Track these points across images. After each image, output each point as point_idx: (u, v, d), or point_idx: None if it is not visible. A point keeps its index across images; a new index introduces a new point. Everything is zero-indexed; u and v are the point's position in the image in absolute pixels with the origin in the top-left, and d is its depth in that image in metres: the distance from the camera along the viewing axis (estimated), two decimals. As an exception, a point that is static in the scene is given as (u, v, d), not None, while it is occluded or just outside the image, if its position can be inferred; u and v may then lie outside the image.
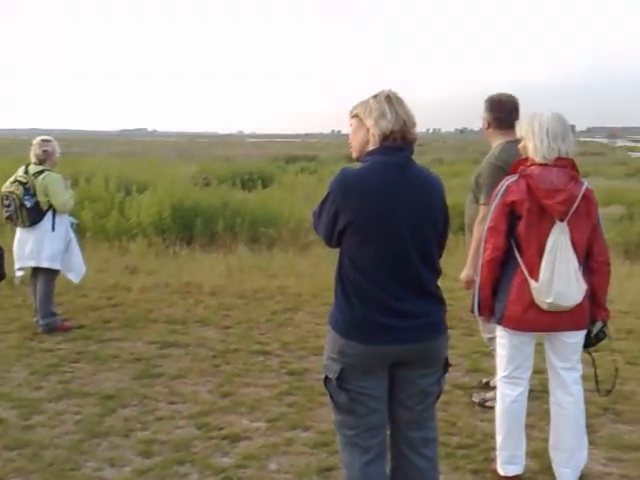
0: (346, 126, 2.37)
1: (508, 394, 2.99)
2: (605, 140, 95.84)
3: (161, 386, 4.26)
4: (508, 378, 3.00)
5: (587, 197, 2.83)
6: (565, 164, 2.83)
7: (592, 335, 3.01)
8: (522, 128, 2.97)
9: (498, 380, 3.06)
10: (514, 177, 2.88)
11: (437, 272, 2.29)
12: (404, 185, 2.16)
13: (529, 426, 3.52)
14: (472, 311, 3.05)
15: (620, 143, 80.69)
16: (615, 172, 23.33)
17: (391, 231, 2.13)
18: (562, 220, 2.78)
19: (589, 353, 3.10)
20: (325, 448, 3.33)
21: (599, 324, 3.02)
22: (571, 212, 2.77)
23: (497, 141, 3.83)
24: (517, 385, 2.98)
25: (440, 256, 2.35)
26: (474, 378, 4.38)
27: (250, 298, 6.53)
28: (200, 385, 4.29)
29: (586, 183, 2.86)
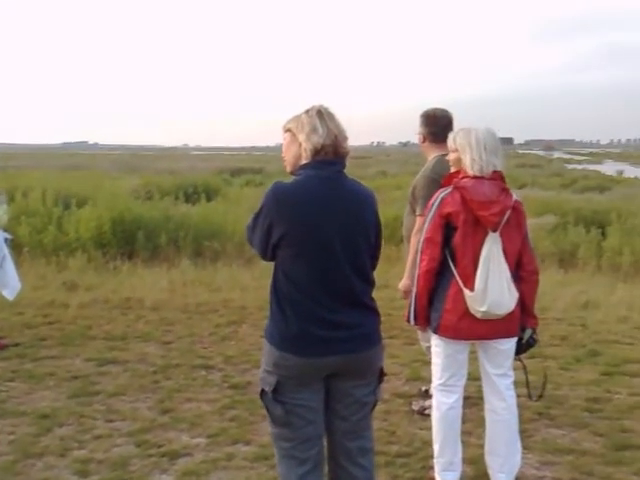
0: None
1: (444, 402, 3.06)
2: (542, 152, 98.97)
3: (99, 404, 4.16)
4: (444, 386, 3.06)
5: (517, 209, 2.93)
6: (496, 177, 2.93)
7: (523, 342, 3.10)
8: (456, 141, 3.05)
9: (434, 388, 3.12)
10: (448, 189, 2.95)
11: (371, 284, 2.32)
12: (336, 199, 2.19)
13: (466, 433, 3.61)
14: (408, 320, 3.11)
15: (557, 155, 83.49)
16: (551, 183, 24.06)
17: (324, 244, 2.16)
18: (495, 231, 2.87)
19: (520, 360, 3.19)
20: (265, 462, 3.32)
21: (529, 331, 3.10)
22: (503, 223, 2.87)
23: (432, 154, 3.94)
24: (452, 393, 3.05)
25: (374, 268, 2.39)
26: (414, 387, 4.45)
27: (193, 312, 6.46)
28: (139, 402, 4.21)
29: (515, 195, 2.96)
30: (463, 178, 2.94)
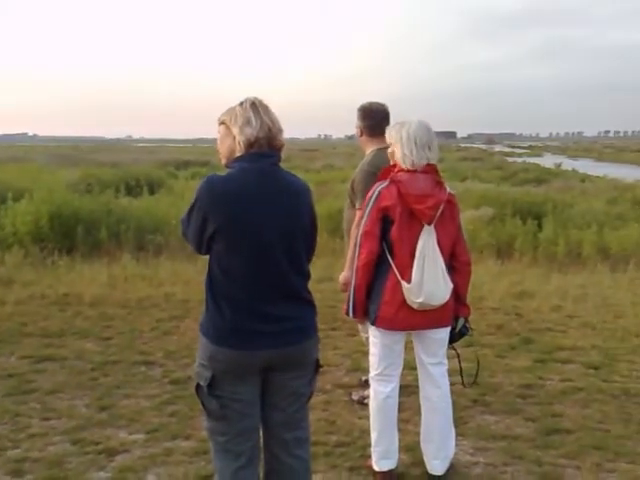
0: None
1: (381, 391, 3.12)
2: (484, 146, 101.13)
3: (35, 402, 4.08)
4: (380, 376, 3.12)
5: (450, 202, 3.00)
6: (430, 170, 2.99)
7: (456, 331, 3.18)
8: (391, 135, 3.10)
9: (371, 378, 3.17)
10: (385, 183, 3.00)
11: (306, 276, 2.34)
12: (271, 191, 2.19)
13: (404, 421, 3.69)
14: (347, 313, 3.14)
15: (498, 149, 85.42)
16: (491, 176, 24.60)
17: (259, 237, 2.16)
18: (430, 224, 2.93)
19: (454, 348, 3.28)
20: (205, 456, 3.31)
21: (462, 320, 3.19)
22: (437, 216, 2.94)
23: (370, 148, 3.98)
24: (389, 382, 3.11)
25: (310, 260, 2.41)
26: (355, 377, 4.51)
27: (134, 307, 6.37)
28: (77, 399, 4.14)
29: (449, 188, 3.03)
30: (399, 172, 3.00)
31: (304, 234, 2.31)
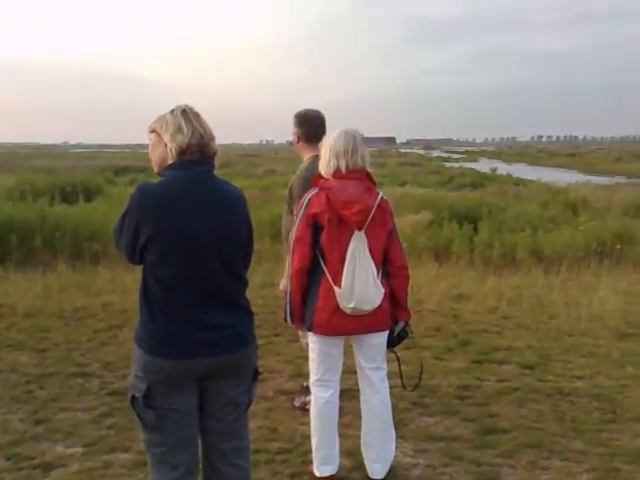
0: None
1: (321, 396, 3.14)
2: (422, 151, 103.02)
3: (-35, 419, 3.93)
4: (320, 381, 3.14)
5: (382, 207, 3.03)
6: (360, 176, 3.02)
7: (395, 335, 3.23)
8: (321, 145, 3.17)
9: (311, 384, 3.20)
10: (315, 190, 3.03)
11: (243, 284, 2.34)
12: (204, 199, 2.18)
13: (345, 425, 3.73)
14: (285, 320, 3.16)
15: (436, 154, 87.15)
16: (430, 181, 25.11)
17: (192, 246, 2.15)
18: (360, 229, 2.97)
19: (394, 352, 3.33)
20: (144, 468, 3.21)
21: (401, 324, 3.23)
22: (368, 221, 2.97)
23: (307, 155, 4.02)
24: (328, 387, 3.13)
25: (247, 268, 2.42)
26: (297, 383, 4.52)
27: (70, 318, 6.22)
28: (11, 414, 4.01)
29: (381, 193, 3.07)
30: (329, 179, 3.04)
31: (240, 241, 2.31)
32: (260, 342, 5.44)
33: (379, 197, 3.03)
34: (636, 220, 11.47)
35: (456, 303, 6.71)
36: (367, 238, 2.99)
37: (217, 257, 2.20)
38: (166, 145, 2.20)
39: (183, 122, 2.19)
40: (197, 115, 2.24)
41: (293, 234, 3.08)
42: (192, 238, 2.15)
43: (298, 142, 4.09)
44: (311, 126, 4.00)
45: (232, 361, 2.25)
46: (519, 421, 3.89)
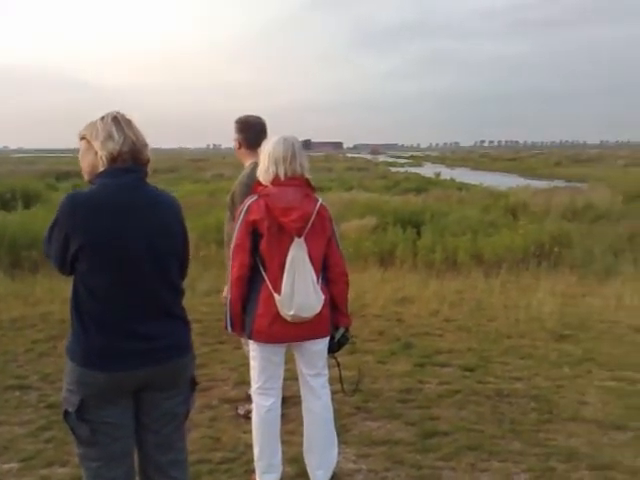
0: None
1: (262, 404, 3.12)
2: (369, 156, 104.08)
3: None
4: (261, 389, 3.13)
5: (321, 213, 3.04)
6: (299, 183, 3.03)
7: (335, 341, 3.25)
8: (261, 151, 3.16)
9: (253, 392, 3.18)
10: (254, 197, 3.02)
11: (179, 293, 2.31)
12: (136, 207, 2.15)
13: (289, 432, 3.73)
14: (226, 327, 3.14)
15: (382, 159, 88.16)
16: (376, 185, 25.39)
17: (125, 255, 2.11)
18: (299, 236, 2.97)
19: (334, 358, 3.34)
20: (82, 482, 3.19)
21: (341, 330, 3.25)
22: (307, 228, 2.99)
23: (248, 161, 4.01)
24: (270, 395, 3.12)
25: (183, 277, 2.39)
26: (242, 391, 4.49)
27: (7, 328, 6.04)
28: (-58, 430, 3.86)
29: (320, 200, 3.08)
30: (268, 186, 3.03)
31: (175, 250, 2.28)
32: (205, 350, 5.48)
33: (318, 204, 3.04)
34: (573, 223, 11.88)
35: (400, 307, 6.80)
36: (307, 245, 2.99)
37: (151, 266, 2.17)
38: (96, 152, 2.16)
39: (114, 129, 2.15)
40: (129, 122, 2.20)
41: (232, 241, 3.07)
42: (124, 248, 2.11)
43: (239, 148, 4.09)
44: (252, 132, 4.00)
45: (168, 372, 2.22)
46: (459, 423, 3.96)
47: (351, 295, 6.88)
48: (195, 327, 6.04)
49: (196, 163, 52.95)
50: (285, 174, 2.99)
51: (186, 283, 7.74)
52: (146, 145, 2.22)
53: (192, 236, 10.15)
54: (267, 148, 3.06)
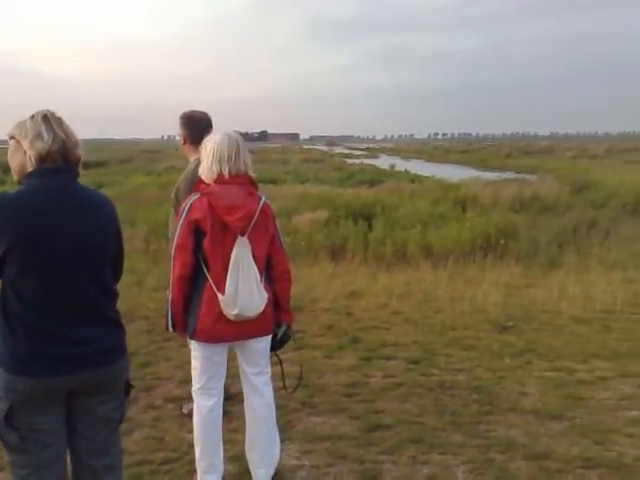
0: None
1: (204, 405, 3.11)
2: (325, 148, 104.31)
3: None
4: (203, 389, 3.11)
5: (264, 211, 3.03)
6: (243, 181, 3.01)
7: (277, 338, 3.25)
8: (202, 148, 3.12)
9: (194, 392, 3.16)
10: (197, 195, 2.99)
11: (113, 296, 2.28)
12: (67, 208, 2.10)
13: (233, 430, 3.72)
14: (167, 328, 3.11)
15: (338, 150, 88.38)
16: (332, 177, 25.44)
17: (55, 258, 2.07)
18: (243, 235, 2.96)
19: (277, 355, 3.35)
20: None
21: (283, 327, 3.24)
22: (250, 227, 2.98)
23: (193, 156, 3.97)
24: (211, 395, 3.11)
25: (117, 279, 2.35)
26: (186, 390, 4.43)
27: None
28: None
29: (264, 198, 3.07)
30: (210, 184, 3.01)
31: (107, 252, 2.24)
32: (151, 348, 5.42)
33: (262, 202, 3.03)
34: (521, 215, 12.13)
35: (349, 301, 6.83)
36: (250, 243, 2.98)
37: (83, 269, 2.13)
38: (25, 152, 2.10)
39: (44, 128, 2.09)
40: (59, 120, 2.15)
41: (174, 240, 3.03)
42: (53, 250, 2.06)
43: (184, 144, 4.05)
44: (197, 128, 3.95)
45: (101, 377, 2.19)
46: (402, 416, 4.01)
47: (301, 289, 6.97)
48: (142, 324, 6.01)
49: (150, 154, 52.11)
50: (229, 172, 2.97)
51: (134, 279, 7.71)
52: (77, 144, 2.18)
53: (142, 230, 10.02)
54: (210, 145, 3.02)
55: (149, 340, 5.51)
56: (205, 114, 4.06)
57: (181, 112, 4.12)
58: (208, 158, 3.00)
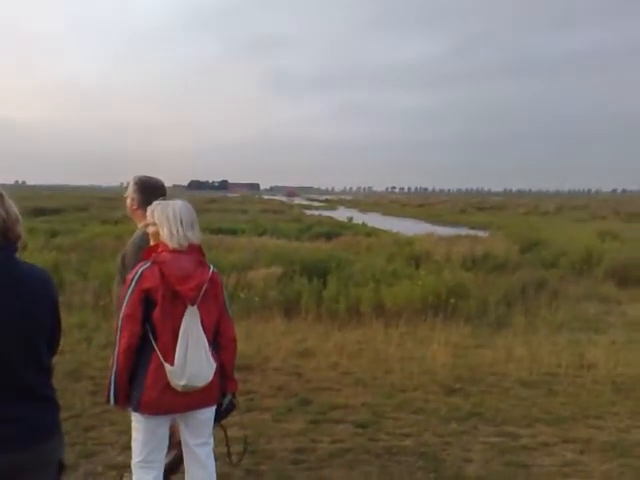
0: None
1: (144, 479, 3.05)
2: (285, 198, 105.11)
3: None
4: (144, 462, 3.06)
5: (213, 280, 3.06)
6: (193, 250, 3.05)
7: (222, 408, 3.23)
8: (155, 214, 3.12)
9: (133, 465, 3.10)
10: (147, 264, 2.99)
11: (48, 373, 2.23)
12: (4, 286, 2.08)
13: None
14: (108, 401, 3.05)
15: (297, 201, 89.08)
16: (290, 228, 25.49)
17: None
18: (193, 304, 2.97)
19: (222, 426, 3.32)
20: None
21: (229, 396, 3.24)
22: (200, 296, 2.99)
23: (142, 222, 3.96)
24: (152, 469, 3.06)
25: (54, 353, 2.31)
26: (129, 456, 4.32)
27: None
28: None
29: (212, 267, 3.11)
30: (162, 252, 3.02)
31: (46, 329, 2.21)
32: (95, 410, 5.30)
33: (210, 271, 3.06)
34: (472, 272, 12.35)
35: (301, 360, 6.80)
36: (200, 313, 2.99)
37: (16, 346, 2.08)
38: None
39: None
40: (1, 197, 2.16)
41: (122, 310, 3.00)
42: None
43: (136, 209, 4.01)
44: (153, 195, 3.94)
45: (31, 457, 2.12)
46: (347, 485, 3.99)
47: (253, 348, 6.92)
48: (87, 385, 5.86)
49: (107, 202, 51.47)
50: (185, 240, 3.00)
51: (83, 334, 7.54)
52: (18, 221, 2.16)
53: (93, 284, 9.78)
54: (170, 213, 3.04)
55: (93, 402, 5.37)
56: (162, 182, 4.07)
57: (137, 173, 4.10)
58: (171, 223, 3.01)
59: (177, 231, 3.02)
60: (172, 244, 3.01)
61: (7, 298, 2.08)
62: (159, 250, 3.04)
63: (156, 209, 3.14)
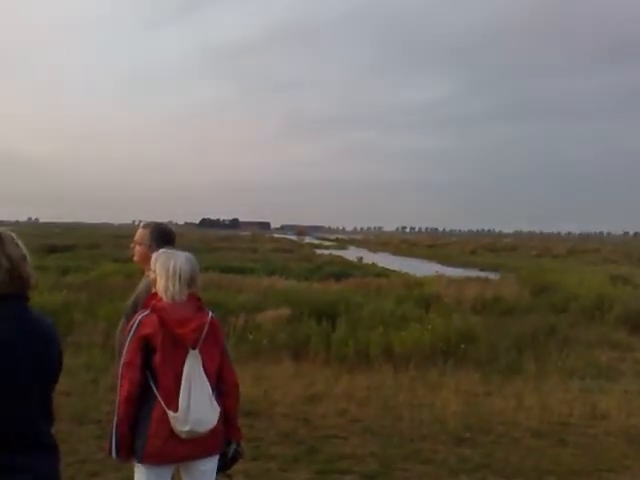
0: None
1: (147, 528, 3.01)
2: (295, 237, 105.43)
3: None
4: (147, 512, 3.02)
5: (213, 324, 3.05)
6: (191, 299, 3.05)
7: (228, 457, 3.18)
8: (157, 265, 3.13)
9: (137, 515, 3.06)
10: (146, 311, 2.99)
11: (52, 420, 2.24)
12: (26, 338, 2.07)
13: None
14: (110, 453, 3.02)
15: (308, 240, 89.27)
16: (300, 268, 25.54)
17: (14, 388, 2.02)
18: (194, 347, 2.95)
19: (228, 476, 3.28)
20: None
21: (233, 445, 3.18)
22: (201, 340, 2.98)
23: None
24: (155, 518, 3.01)
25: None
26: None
27: None
28: None
29: (211, 312, 3.10)
30: (161, 300, 3.02)
31: (56, 375, 2.21)
32: (100, 455, 5.23)
33: (209, 316, 3.06)
34: (482, 315, 12.27)
35: (308, 405, 6.74)
36: (202, 357, 2.98)
37: (35, 396, 2.09)
38: None
39: None
40: (10, 239, 2.12)
41: (122, 358, 3.00)
42: (9, 381, 2.04)
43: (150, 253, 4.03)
44: (166, 242, 3.97)
45: None
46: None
47: (261, 392, 6.86)
48: (93, 429, 5.82)
49: (119, 240, 51.90)
50: (180, 295, 2.99)
51: (91, 376, 7.50)
52: (24, 260, 2.10)
53: (102, 324, 9.81)
54: (172, 265, 3.04)
55: (99, 446, 5.32)
56: (174, 231, 4.11)
57: (151, 221, 4.12)
58: (169, 277, 3.02)
59: (173, 286, 3.01)
60: (165, 298, 3.01)
61: (28, 348, 2.09)
62: (158, 298, 3.05)
63: (159, 259, 3.13)
